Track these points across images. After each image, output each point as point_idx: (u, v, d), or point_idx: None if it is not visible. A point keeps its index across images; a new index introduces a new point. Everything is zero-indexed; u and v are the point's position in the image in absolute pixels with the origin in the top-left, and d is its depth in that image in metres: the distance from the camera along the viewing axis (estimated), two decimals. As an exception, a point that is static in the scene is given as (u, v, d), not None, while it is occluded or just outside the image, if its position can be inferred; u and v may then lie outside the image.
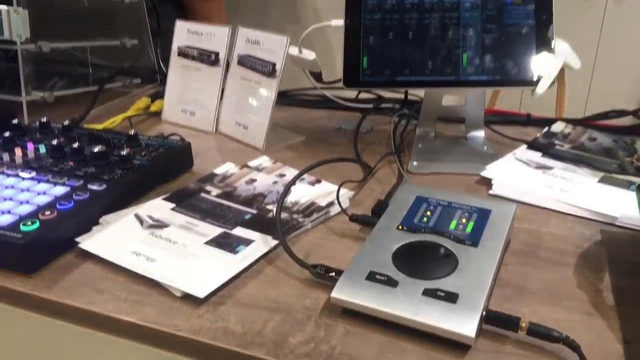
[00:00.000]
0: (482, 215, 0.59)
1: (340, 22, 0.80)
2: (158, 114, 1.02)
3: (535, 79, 0.74)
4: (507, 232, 0.56)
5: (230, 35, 0.93)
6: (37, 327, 0.56)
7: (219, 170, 0.77)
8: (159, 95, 1.06)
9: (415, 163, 0.81)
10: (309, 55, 0.84)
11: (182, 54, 0.98)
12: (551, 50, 0.74)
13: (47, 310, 0.54)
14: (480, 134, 0.88)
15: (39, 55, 0.97)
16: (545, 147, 0.84)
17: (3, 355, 0.62)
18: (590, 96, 2.82)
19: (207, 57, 0.95)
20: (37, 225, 0.57)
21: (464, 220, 0.58)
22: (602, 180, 0.73)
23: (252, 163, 0.80)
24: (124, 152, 0.71)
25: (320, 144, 0.90)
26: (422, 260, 0.52)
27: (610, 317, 0.49)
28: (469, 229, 0.56)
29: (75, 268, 0.57)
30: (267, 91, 0.86)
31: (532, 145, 0.84)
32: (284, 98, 1.10)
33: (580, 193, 0.69)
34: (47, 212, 0.59)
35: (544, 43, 0.75)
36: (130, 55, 1.20)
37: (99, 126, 0.94)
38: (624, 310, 0.50)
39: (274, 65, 0.85)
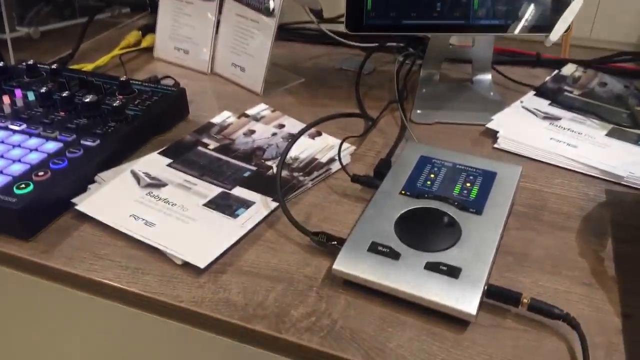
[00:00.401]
0: (487, 179, 0.57)
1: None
2: (150, 49, 0.98)
3: (550, 24, 0.70)
4: (512, 199, 0.55)
5: (224, -33, 0.86)
6: (36, 290, 0.56)
7: (216, 119, 0.75)
8: (149, 28, 1.00)
9: (419, 111, 0.78)
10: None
11: (173, -15, 0.92)
12: (568, -6, 0.69)
13: (47, 275, 0.53)
14: (487, 77, 0.84)
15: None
16: (554, 93, 0.81)
17: (3, 318, 0.62)
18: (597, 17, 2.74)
19: (200, -9, 0.89)
20: (31, 187, 0.55)
21: (468, 185, 0.56)
22: (610, 134, 0.71)
23: (251, 111, 0.77)
24: (116, 103, 0.68)
25: (320, 86, 0.87)
26: (425, 230, 0.51)
27: (610, 289, 0.49)
28: (473, 194, 0.55)
29: (73, 231, 0.56)
30: (264, 32, 0.82)
31: (540, 92, 0.81)
32: (283, 32, 1.04)
33: (587, 148, 0.67)
34: (41, 173, 0.57)
35: (560, -14, 0.70)
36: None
37: (89, 66, 0.90)
38: (624, 280, 0.50)
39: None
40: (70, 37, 1.00)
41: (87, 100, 0.68)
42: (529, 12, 0.71)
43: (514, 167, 0.59)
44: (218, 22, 0.89)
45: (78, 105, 0.70)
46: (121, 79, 0.74)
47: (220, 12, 0.88)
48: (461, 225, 0.52)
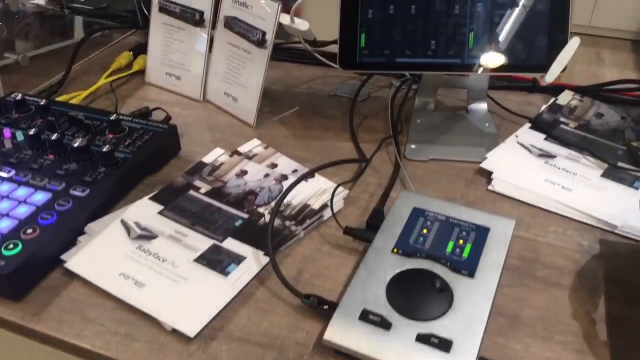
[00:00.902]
0: (480, 235, 0.57)
1: (337, -7, 0.73)
2: (142, 72, 0.96)
3: (545, 63, 0.69)
4: (504, 258, 0.55)
5: (216, -7, 0.85)
6: (29, 349, 0.56)
7: (208, 158, 0.74)
8: (141, 48, 0.99)
9: (413, 146, 0.77)
10: (302, 25, 0.78)
11: (164, 9, 0.90)
12: (565, 32, 0.68)
13: (37, 338, 0.53)
14: (482, 106, 0.83)
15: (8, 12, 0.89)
16: (550, 126, 0.80)
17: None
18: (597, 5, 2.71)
19: (191, 16, 0.87)
20: (19, 248, 0.55)
21: (460, 242, 0.56)
22: (605, 174, 0.70)
23: (243, 148, 0.76)
24: (105, 149, 0.67)
25: (314, 115, 0.86)
26: (417, 296, 0.51)
27: (602, 356, 0.49)
28: (465, 253, 0.55)
29: (62, 289, 0.56)
30: (257, 63, 0.80)
31: (536, 125, 0.80)
32: (276, 52, 1.03)
33: (582, 193, 0.67)
34: (29, 230, 0.57)
35: (558, 23, 0.68)
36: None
37: (80, 95, 0.89)
38: (616, 345, 0.50)
39: (263, 34, 0.79)
40: (62, 56, 0.99)
41: (76, 145, 0.67)
42: (525, 52, 0.69)
43: (507, 221, 0.59)
44: (210, 49, 0.87)
45: (67, 148, 0.69)
46: (111, 118, 0.73)
47: (212, 39, 0.87)
48: (453, 289, 0.51)
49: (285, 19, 0.78)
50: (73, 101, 0.87)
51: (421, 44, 0.71)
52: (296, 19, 0.78)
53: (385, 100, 0.89)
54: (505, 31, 0.69)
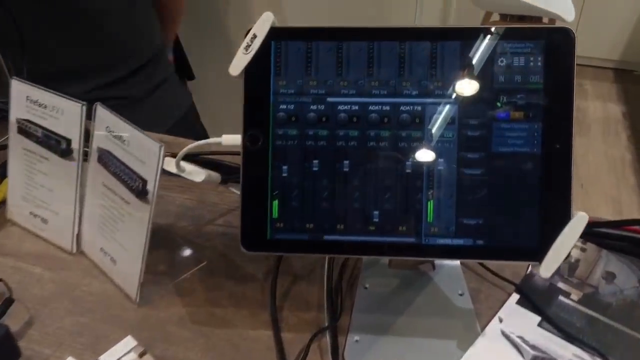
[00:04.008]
0: None
1: (235, 139, 0.50)
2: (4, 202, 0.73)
3: (537, 249, 0.47)
4: None
5: (85, 114, 0.61)
6: None
7: (50, 384, 0.50)
8: (5, 170, 0.75)
9: (356, 338, 0.55)
10: (196, 174, 0.55)
11: (23, 131, 0.66)
12: (566, 203, 0.46)
13: None
14: (453, 262, 0.61)
15: None
16: (545, 298, 0.58)
17: None
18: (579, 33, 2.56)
19: (56, 144, 0.64)
20: None
21: None
22: (630, 399, 0.48)
23: (107, 356, 0.53)
24: None
25: (226, 278, 0.63)
26: None
27: None
28: None
29: None
30: (137, 219, 0.57)
31: (525, 296, 0.58)
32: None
33: None
34: None
35: (555, 189, 0.47)
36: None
37: None
38: None
39: (144, 182, 0.56)
40: None
41: None
42: (507, 231, 0.47)
43: None
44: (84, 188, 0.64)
45: None
46: None
47: (84, 174, 0.64)
48: None
49: (170, 165, 0.55)
50: None
51: (359, 216, 0.48)
52: (187, 166, 0.55)
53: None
54: (478, 198, 0.47)
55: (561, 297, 0.59)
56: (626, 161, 2.44)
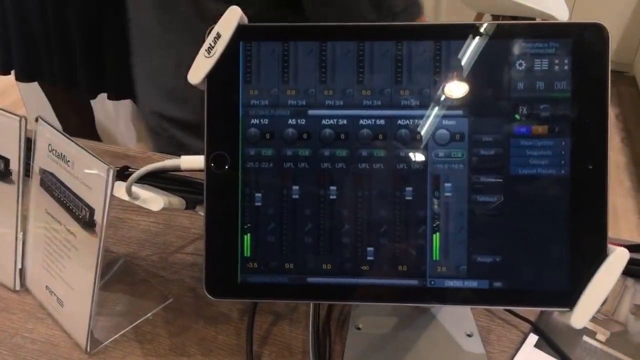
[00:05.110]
0: None
1: (196, 161, 0.41)
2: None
3: (568, 292, 0.38)
4: None
5: (25, 129, 0.52)
6: None
7: None
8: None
9: (346, 395, 0.46)
10: (153, 202, 0.46)
11: (-43, 148, 0.57)
12: (601, 237, 0.38)
13: None
14: (457, 296, 0.53)
15: None
16: (568, 342, 0.50)
17: None
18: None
19: (-7, 164, 0.55)
20: None
21: None
22: None
23: None
24: None
25: (195, 317, 0.54)
26: None
27: None
28: None
29: None
30: (85, 254, 0.48)
31: (544, 336, 0.50)
32: (146, 177, 0.71)
33: None
34: None
35: (587, 220, 0.38)
36: None
37: None
38: None
39: (91, 212, 0.47)
40: None
41: None
42: (531, 272, 0.39)
43: None
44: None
45: None
46: None
47: (26, 199, 0.54)
48: None
49: (120, 190, 0.46)
50: None
51: (349, 254, 0.40)
52: (142, 192, 0.46)
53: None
54: (494, 231, 0.39)
55: (586, 338, 0.50)
56: (620, 164, 2.38)
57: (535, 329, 0.51)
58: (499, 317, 0.53)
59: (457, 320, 0.52)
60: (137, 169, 0.66)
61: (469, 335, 0.51)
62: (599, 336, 0.51)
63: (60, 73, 1.20)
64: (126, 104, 1.55)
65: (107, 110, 1.66)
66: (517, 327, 0.52)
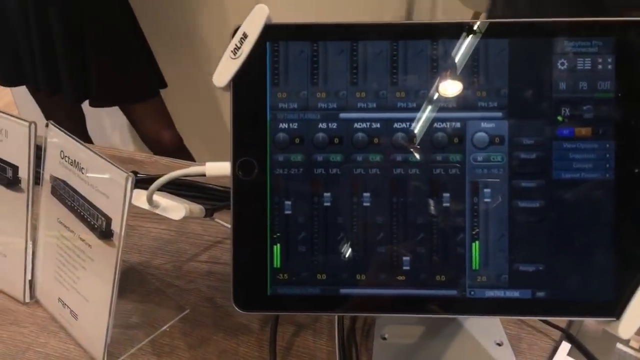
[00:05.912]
0: None
1: (222, 168, 0.39)
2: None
3: (613, 302, 0.37)
4: None
5: (34, 136, 0.50)
6: None
7: None
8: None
9: (377, 409, 0.44)
10: (175, 210, 0.44)
11: (-38, 155, 0.55)
12: (650, 243, 0.36)
13: None
14: (484, 303, 0.51)
15: None
16: (602, 350, 0.48)
17: None
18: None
19: (1, 172, 0.52)
20: None
21: None
22: None
23: None
24: None
25: (214, 328, 0.52)
26: None
27: None
28: None
29: None
30: (101, 265, 0.46)
31: (580, 347, 0.48)
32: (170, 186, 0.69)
33: None
34: None
35: (634, 225, 0.37)
36: None
37: None
38: None
39: (108, 221, 0.44)
40: None
41: None
42: (575, 280, 0.37)
43: None
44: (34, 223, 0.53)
45: None
46: None
47: (36, 208, 0.52)
48: None
49: (141, 200, 0.44)
50: None
51: (385, 264, 0.38)
52: (162, 200, 0.44)
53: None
54: (537, 238, 0.37)
55: (619, 345, 0.49)
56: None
57: (567, 337, 0.49)
58: (529, 325, 0.51)
59: (486, 329, 0.50)
60: (146, 175, 0.64)
61: (499, 344, 0.49)
62: (633, 343, 0.49)
63: (44, 78, 1.17)
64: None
65: (98, 113, 1.63)
66: (548, 334, 0.50)
